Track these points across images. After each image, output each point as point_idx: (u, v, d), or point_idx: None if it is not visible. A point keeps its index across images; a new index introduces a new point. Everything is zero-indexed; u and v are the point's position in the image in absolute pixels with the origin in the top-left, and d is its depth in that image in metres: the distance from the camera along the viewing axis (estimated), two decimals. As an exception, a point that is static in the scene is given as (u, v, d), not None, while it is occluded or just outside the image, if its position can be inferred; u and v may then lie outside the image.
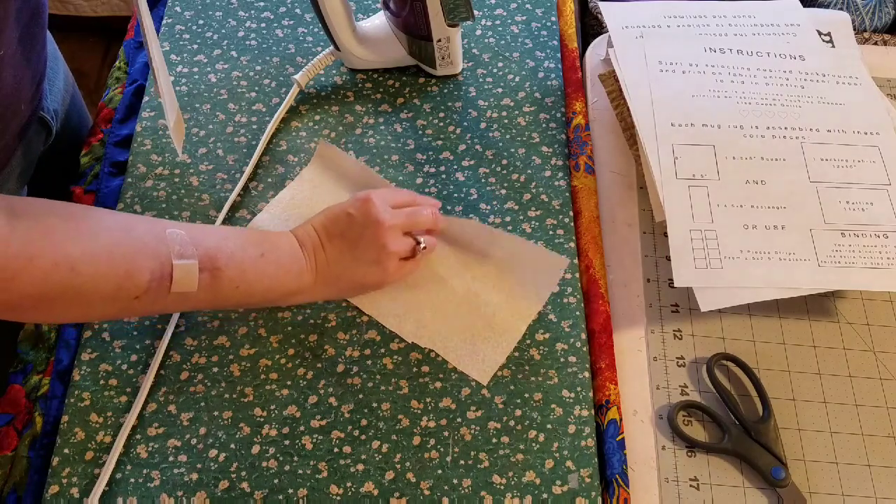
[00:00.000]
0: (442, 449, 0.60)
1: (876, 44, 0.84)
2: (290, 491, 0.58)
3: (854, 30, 0.81)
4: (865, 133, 0.71)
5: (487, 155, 0.74)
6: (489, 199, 0.71)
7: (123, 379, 0.62)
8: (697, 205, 0.66)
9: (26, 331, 0.65)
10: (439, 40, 0.75)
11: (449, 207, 0.71)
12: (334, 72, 0.80)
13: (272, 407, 0.61)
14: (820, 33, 0.78)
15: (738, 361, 0.63)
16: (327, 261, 0.61)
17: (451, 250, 0.68)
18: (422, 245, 0.63)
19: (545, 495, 0.58)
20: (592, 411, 0.61)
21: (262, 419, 0.61)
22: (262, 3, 0.85)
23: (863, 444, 0.61)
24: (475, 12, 0.79)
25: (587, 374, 0.63)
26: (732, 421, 0.61)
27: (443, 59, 0.77)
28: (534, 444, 0.60)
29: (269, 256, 0.58)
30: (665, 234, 0.64)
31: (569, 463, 0.59)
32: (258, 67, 0.79)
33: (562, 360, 0.63)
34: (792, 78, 0.74)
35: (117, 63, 0.83)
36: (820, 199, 0.66)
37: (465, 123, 0.76)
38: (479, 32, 0.83)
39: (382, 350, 0.64)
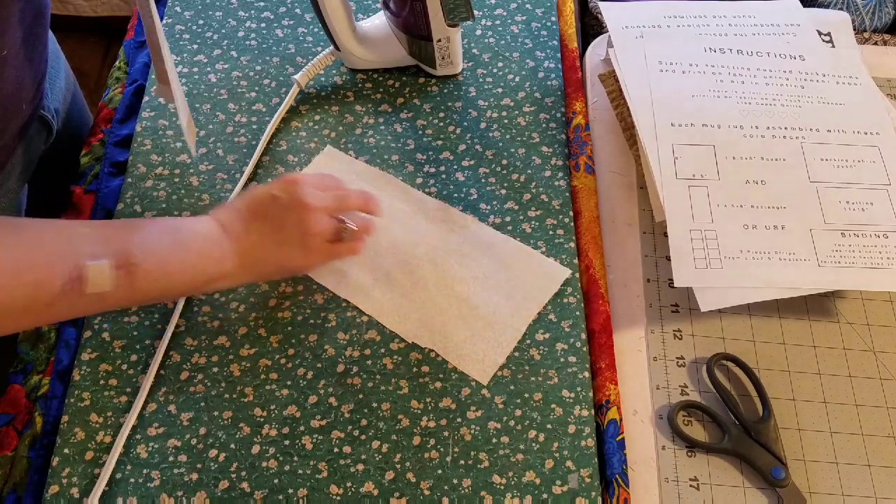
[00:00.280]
0: (442, 449, 0.60)
1: (876, 44, 0.84)
2: (290, 491, 0.58)
3: (854, 30, 0.81)
4: (865, 133, 0.71)
5: (487, 155, 0.74)
6: (489, 199, 0.71)
7: (123, 379, 0.62)
8: (697, 205, 0.66)
9: (26, 331, 0.65)
10: (439, 40, 0.75)
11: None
12: (334, 72, 0.80)
13: (272, 407, 0.61)
14: (820, 33, 0.78)
15: (738, 361, 0.63)
16: (249, 243, 0.60)
17: (451, 250, 0.68)
18: (348, 226, 0.62)
19: (545, 495, 0.58)
20: (592, 411, 0.61)
21: (262, 419, 0.61)
22: (262, 3, 0.85)
23: (863, 444, 0.61)
24: (475, 12, 0.79)
25: (587, 374, 0.63)
26: (732, 421, 0.61)
27: (443, 59, 0.77)
28: (534, 444, 0.60)
29: (186, 244, 0.57)
30: (665, 234, 0.64)
31: (569, 463, 0.59)
32: (258, 67, 0.80)
33: (562, 360, 0.63)
34: (792, 78, 0.74)
35: (117, 63, 0.83)
36: (820, 199, 0.66)
37: (465, 123, 0.76)
38: (479, 32, 0.83)
39: (382, 350, 0.64)
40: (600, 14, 0.82)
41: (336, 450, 0.59)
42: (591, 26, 0.89)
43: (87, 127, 0.85)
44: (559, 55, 0.81)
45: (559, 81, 0.79)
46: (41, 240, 0.51)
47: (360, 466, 0.59)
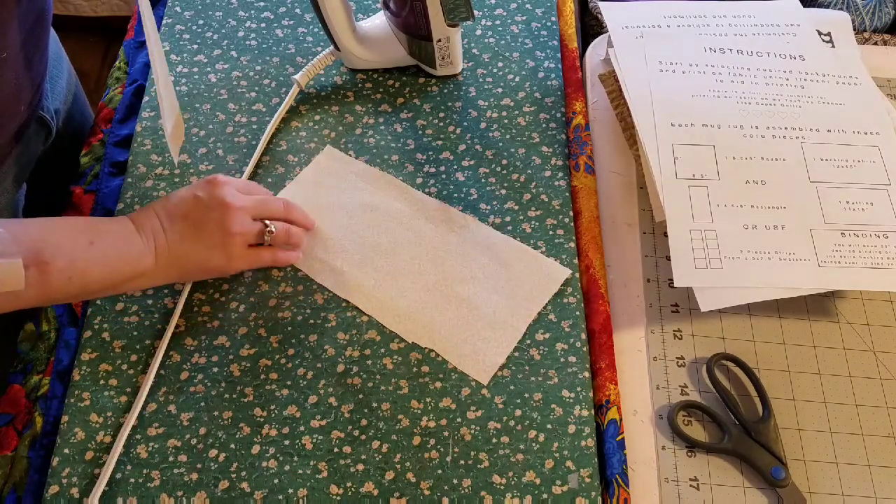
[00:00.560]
0: (442, 449, 0.60)
1: (876, 44, 0.84)
2: (290, 491, 0.58)
3: (854, 30, 0.81)
4: (865, 133, 0.71)
5: (487, 155, 0.74)
6: (489, 199, 0.71)
7: (123, 379, 0.62)
8: (697, 205, 0.66)
9: (26, 331, 0.65)
10: (439, 40, 0.75)
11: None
12: (334, 72, 0.80)
13: (272, 407, 0.61)
14: (820, 33, 0.78)
15: (738, 361, 0.63)
16: (167, 243, 0.60)
17: (451, 250, 0.68)
18: (269, 229, 0.62)
19: (545, 495, 0.58)
20: (592, 411, 0.61)
21: (262, 419, 0.61)
22: (262, 3, 0.85)
23: (863, 444, 0.61)
24: (475, 12, 0.79)
25: (587, 374, 0.63)
26: (732, 421, 0.61)
27: (443, 59, 0.77)
28: (534, 444, 0.60)
29: (100, 243, 0.57)
30: (665, 234, 0.64)
31: (569, 463, 0.59)
32: (258, 67, 0.80)
33: (562, 360, 0.63)
34: (792, 78, 0.74)
35: (117, 63, 0.83)
36: (820, 199, 0.66)
37: (465, 123, 0.76)
38: (479, 32, 0.83)
39: (382, 350, 0.64)
40: (600, 14, 0.82)
41: (336, 450, 0.59)
42: (591, 26, 0.89)
43: (89, 127, 0.85)
44: (559, 55, 0.81)
45: (559, 81, 0.79)
46: None
47: (360, 466, 0.59)
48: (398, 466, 0.59)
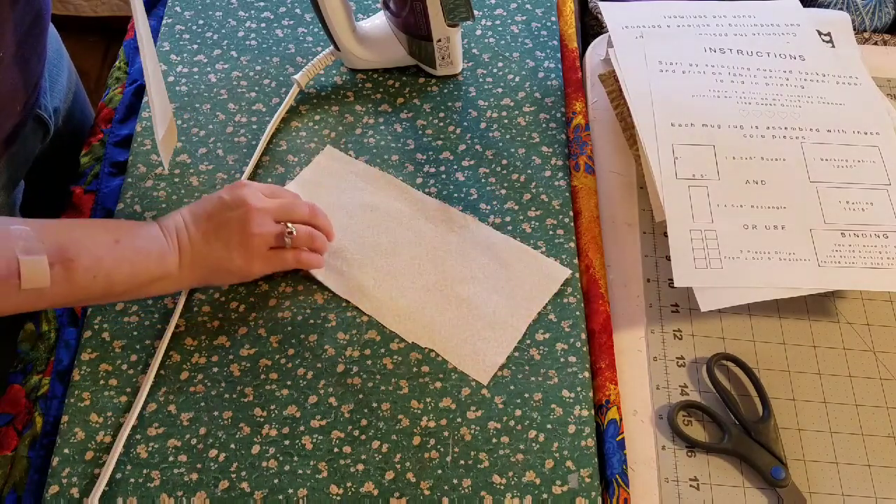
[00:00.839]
0: (442, 449, 0.60)
1: (876, 44, 0.84)
2: (290, 491, 0.58)
3: (854, 30, 0.81)
4: (865, 133, 0.71)
5: (487, 155, 0.74)
6: (489, 199, 0.71)
7: (123, 379, 0.62)
8: (697, 205, 0.66)
9: (26, 331, 0.65)
10: (439, 40, 0.75)
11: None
12: (334, 72, 0.80)
13: (272, 407, 0.61)
14: (820, 33, 0.78)
15: (738, 361, 0.63)
16: (191, 243, 0.60)
17: (451, 250, 0.68)
18: (289, 230, 0.62)
19: (545, 495, 0.58)
20: (592, 411, 0.61)
21: (262, 419, 0.61)
22: (262, 3, 0.85)
23: (863, 444, 0.61)
24: (475, 12, 0.79)
25: (587, 374, 0.63)
26: (732, 421, 0.61)
27: (443, 59, 0.77)
28: (534, 444, 0.60)
29: (125, 242, 0.57)
30: (665, 234, 0.64)
31: (569, 463, 0.59)
32: (258, 67, 0.80)
33: (562, 360, 0.63)
34: (792, 78, 0.74)
35: (117, 63, 0.83)
36: (820, 199, 0.66)
37: (465, 123, 0.76)
38: (479, 32, 0.83)
39: (382, 350, 0.64)
40: (600, 14, 0.82)
41: (336, 450, 0.59)
42: (591, 26, 0.89)
43: (89, 125, 0.85)
44: (559, 55, 0.81)
45: (559, 81, 0.79)
46: None
47: (360, 466, 0.59)
48: (398, 466, 0.59)
